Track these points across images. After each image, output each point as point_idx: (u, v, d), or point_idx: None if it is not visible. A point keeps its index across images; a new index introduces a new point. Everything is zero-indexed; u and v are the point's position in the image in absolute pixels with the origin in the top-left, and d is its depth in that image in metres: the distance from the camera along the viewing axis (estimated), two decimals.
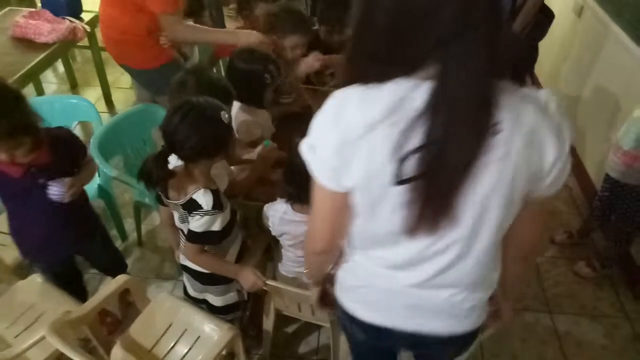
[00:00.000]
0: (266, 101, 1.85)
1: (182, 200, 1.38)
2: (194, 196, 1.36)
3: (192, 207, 1.37)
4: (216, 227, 1.42)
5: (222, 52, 2.54)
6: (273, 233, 1.63)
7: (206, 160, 1.39)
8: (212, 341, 1.55)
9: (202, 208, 1.35)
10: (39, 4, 2.99)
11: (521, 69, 2.81)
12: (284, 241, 1.65)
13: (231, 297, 1.67)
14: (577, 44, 3.01)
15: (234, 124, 1.75)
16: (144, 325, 1.61)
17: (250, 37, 1.97)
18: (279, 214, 1.57)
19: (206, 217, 1.38)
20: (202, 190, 1.36)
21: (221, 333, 1.56)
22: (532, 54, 2.80)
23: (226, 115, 1.36)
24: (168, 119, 1.32)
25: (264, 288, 1.54)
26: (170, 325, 1.61)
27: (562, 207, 2.71)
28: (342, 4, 2.36)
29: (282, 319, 1.87)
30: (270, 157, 1.78)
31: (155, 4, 1.97)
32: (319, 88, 2.48)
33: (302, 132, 0.86)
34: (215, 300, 1.66)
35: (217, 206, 1.38)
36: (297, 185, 1.48)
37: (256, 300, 1.84)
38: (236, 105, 1.80)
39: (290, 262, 1.68)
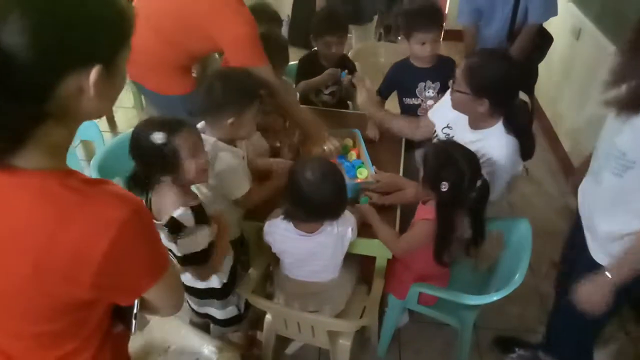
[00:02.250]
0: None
1: (163, 221, 1.35)
2: (175, 215, 1.33)
3: (175, 227, 1.34)
4: (199, 246, 1.40)
5: None
6: (273, 250, 1.61)
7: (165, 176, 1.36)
8: None
9: (185, 227, 1.34)
10: None
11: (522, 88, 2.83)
12: (283, 260, 1.63)
13: (232, 310, 1.65)
14: (577, 66, 3.04)
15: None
16: (142, 346, 1.58)
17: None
18: (280, 230, 1.56)
19: (191, 237, 1.36)
20: (181, 208, 1.33)
21: (220, 355, 1.53)
22: (531, 76, 2.81)
23: (159, 136, 1.31)
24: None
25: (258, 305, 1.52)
26: (169, 347, 1.58)
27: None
28: (335, 16, 2.47)
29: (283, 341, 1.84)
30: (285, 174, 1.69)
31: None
32: (320, 108, 2.51)
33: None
34: (217, 314, 1.65)
35: (201, 220, 1.36)
36: (299, 203, 1.48)
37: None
38: None
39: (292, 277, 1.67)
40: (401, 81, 2.24)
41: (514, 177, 1.75)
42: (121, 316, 0.94)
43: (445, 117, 1.87)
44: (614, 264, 1.28)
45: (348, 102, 2.68)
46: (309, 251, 1.56)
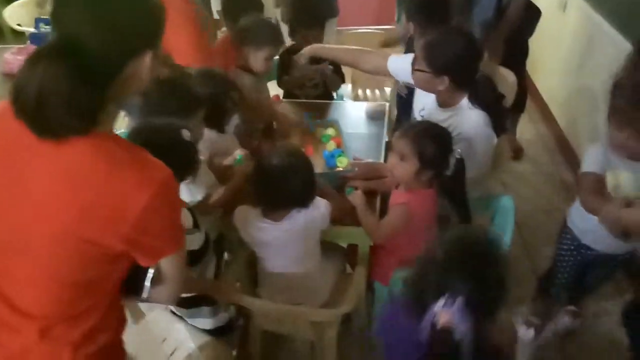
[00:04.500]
0: (229, 126, 1.82)
1: None
2: None
3: None
4: (195, 246, 1.39)
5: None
6: (245, 240, 1.60)
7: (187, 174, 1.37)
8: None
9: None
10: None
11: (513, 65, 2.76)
12: (259, 252, 1.62)
13: (223, 317, 1.63)
14: (565, 38, 2.98)
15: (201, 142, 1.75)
16: (139, 338, 1.57)
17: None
18: (248, 219, 1.55)
19: (188, 236, 1.35)
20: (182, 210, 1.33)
21: (211, 350, 1.52)
22: (522, 51, 2.76)
23: (187, 133, 1.34)
24: None
25: (241, 304, 1.51)
26: (164, 340, 1.57)
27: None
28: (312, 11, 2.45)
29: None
30: (245, 173, 1.75)
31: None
32: (303, 101, 2.49)
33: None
34: (208, 323, 1.61)
35: (196, 225, 1.36)
36: (265, 190, 1.48)
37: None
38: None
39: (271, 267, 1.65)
40: None
41: (494, 153, 1.71)
42: (132, 285, 1.01)
43: (420, 101, 1.85)
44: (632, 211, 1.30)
45: (333, 92, 2.66)
46: (278, 239, 1.54)
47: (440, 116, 1.67)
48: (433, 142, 1.46)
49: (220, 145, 1.78)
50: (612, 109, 1.39)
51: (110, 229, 0.85)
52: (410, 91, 1.95)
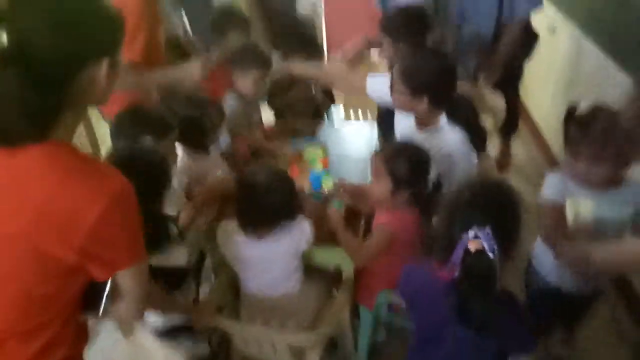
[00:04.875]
0: (217, 145, 1.82)
1: None
2: None
3: None
4: (180, 261, 1.39)
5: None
6: (228, 259, 1.59)
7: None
8: None
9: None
10: None
11: (508, 87, 2.75)
12: (241, 273, 1.60)
13: (203, 348, 1.60)
14: (555, 61, 3.00)
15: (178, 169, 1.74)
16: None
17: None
18: (231, 238, 1.55)
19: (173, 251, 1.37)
20: None
21: None
22: (517, 73, 2.72)
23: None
24: None
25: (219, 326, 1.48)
26: None
27: None
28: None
29: None
30: (216, 189, 1.72)
31: None
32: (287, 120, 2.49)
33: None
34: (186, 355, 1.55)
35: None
36: (247, 208, 1.48)
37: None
38: (180, 149, 1.79)
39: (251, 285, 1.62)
40: None
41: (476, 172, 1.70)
42: (91, 301, 1.00)
43: (400, 122, 1.86)
44: (603, 249, 1.27)
45: (323, 113, 2.66)
46: (260, 257, 1.53)
47: (419, 136, 1.66)
48: (406, 162, 1.45)
49: (198, 169, 1.78)
50: (567, 138, 1.37)
51: (64, 238, 0.84)
52: (391, 112, 1.95)
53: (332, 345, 1.90)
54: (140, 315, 1.08)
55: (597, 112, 1.33)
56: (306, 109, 2.57)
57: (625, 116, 1.29)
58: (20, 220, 0.83)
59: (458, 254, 1.02)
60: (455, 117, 1.64)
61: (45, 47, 0.80)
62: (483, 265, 1.00)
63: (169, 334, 1.53)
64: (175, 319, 1.51)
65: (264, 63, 2.09)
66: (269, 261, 1.54)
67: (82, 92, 0.87)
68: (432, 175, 1.45)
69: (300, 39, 2.46)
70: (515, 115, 2.96)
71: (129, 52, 1.75)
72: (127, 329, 1.59)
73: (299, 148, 2.17)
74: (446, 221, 1.11)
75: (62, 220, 0.83)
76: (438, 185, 1.48)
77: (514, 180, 2.94)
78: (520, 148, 3.20)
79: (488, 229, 1.00)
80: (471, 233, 1.01)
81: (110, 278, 0.96)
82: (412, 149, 1.50)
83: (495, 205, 1.08)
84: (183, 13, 2.53)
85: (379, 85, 1.81)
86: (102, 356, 1.66)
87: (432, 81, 1.59)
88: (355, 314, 1.84)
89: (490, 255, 0.99)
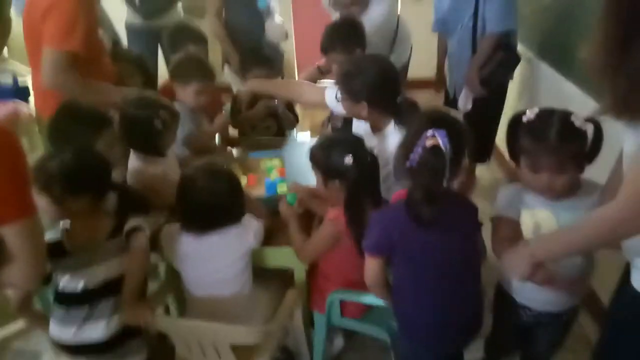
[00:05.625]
0: (165, 148, 1.78)
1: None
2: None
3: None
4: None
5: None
6: (169, 257, 1.56)
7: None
8: None
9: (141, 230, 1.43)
10: None
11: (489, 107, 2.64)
12: (185, 277, 1.55)
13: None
14: (515, 85, 3.06)
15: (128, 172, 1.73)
16: None
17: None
18: (174, 238, 1.52)
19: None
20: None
21: None
22: (498, 93, 2.64)
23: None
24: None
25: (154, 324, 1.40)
26: None
27: None
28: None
29: None
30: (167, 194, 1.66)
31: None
32: (262, 138, 2.48)
33: None
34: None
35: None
36: (188, 206, 1.47)
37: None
38: (132, 154, 1.77)
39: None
40: None
41: None
42: None
43: (358, 128, 1.87)
44: (538, 240, 1.24)
45: (286, 132, 2.66)
46: (204, 253, 1.49)
47: (372, 141, 1.66)
48: (321, 150, 1.49)
49: (152, 173, 1.73)
50: (516, 148, 1.27)
51: None
52: (349, 121, 1.97)
53: (287, 355, 1.81)
54: (34, 284, 1.01)
55: (548, 116, 1.22)
56: (269, 126, 2.57)
57: None
58: None
59: (417, 150, 1.17)
60: (402, 122, 1.63)
61: None
62: (437, 158, 1.14)
63: (114, 342, 1.43)
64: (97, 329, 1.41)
65: (205, 75, 2.05)
66: (215, 257, 1.49)
67: None
68: (347, 160, 1.42)
69: (262, 60, 2.49)
70: (488, 141, 2.80)
71: (69, 42, 1.75)
72: (22, 303, 1.48)
73: (257, 157, 2.15)
74: (411, 131, 1.26)
75: None
76: (373, 161, 1.47)
77: (477, 200, 2.93)
78: (484, 171, 3.23)
79: (444, 131, 1.15)
80: (429, 132, 1.15)
81: None
82: (331, 140, 1.55)
83: (450, 119, 1.26)
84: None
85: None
86: None
87: (370, 87, 1.62)
88: (310, 323, 1.77)
89: (444, 149, 1.13)
